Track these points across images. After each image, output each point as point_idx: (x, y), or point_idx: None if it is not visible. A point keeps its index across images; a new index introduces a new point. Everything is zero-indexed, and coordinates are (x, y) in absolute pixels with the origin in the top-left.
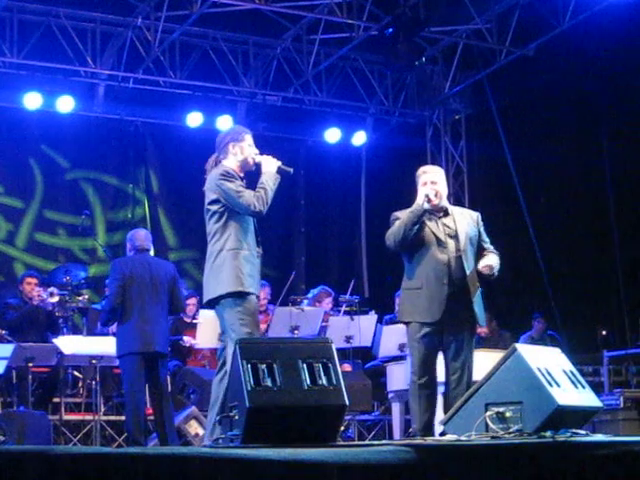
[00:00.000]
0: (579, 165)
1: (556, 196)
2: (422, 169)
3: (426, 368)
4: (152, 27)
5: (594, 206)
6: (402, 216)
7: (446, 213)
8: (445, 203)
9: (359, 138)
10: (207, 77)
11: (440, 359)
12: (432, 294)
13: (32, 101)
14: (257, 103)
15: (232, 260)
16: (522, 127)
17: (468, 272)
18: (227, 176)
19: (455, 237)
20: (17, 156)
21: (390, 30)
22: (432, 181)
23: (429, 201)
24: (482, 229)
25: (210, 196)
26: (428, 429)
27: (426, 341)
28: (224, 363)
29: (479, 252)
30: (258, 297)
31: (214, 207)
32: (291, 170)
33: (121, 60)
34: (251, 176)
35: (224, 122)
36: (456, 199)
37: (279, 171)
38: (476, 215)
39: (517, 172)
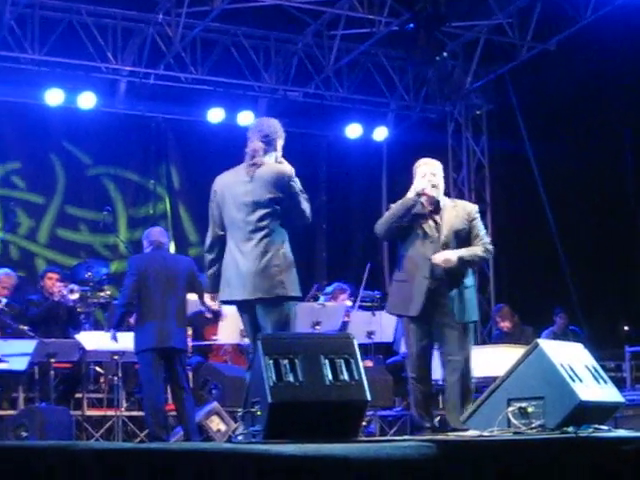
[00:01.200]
0: (601, 159)
1: (578, 190)
2: (422, 160)
3: (419, 362)
4: (173, 23)
5: (616, 200)
6: (394, 206)
7: (438, 207)
8: (440, 197)
9: (380, 133)
10: (228, 73)
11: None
12: (415, 287)
13: (54, 97)
14: (278, 99)
15: (292, 264)
16: (543, 122)
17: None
18: (295, 178)
19: (440, 231)
20: (39, 152)
21: (411, 25)
22: (431, 173)
23: (420, 195)
24: (475, 222)
25: (275, 193)
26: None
27: (416, 334)
28: None
29: (466, 245)
30: None
31: (275, 205)
32: None
33: (142, 56)
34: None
35: (245, 118)
36: (477, 194)
37: None
38: (470, 208)
39: (538, 167)
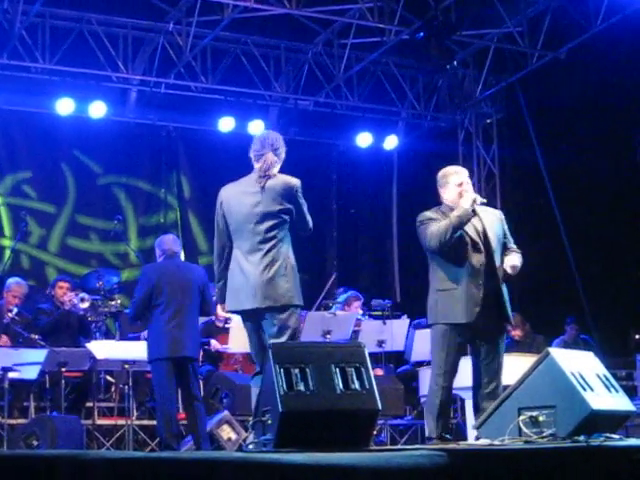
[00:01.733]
0: (612, 168)
1: (588, 199)
2: (453, 169)
3: (453, 372)
4: (183, 32)
5: (627, 209)
6: (435, 216)
7: (474, 213)
8: None
9: (391, 142)
10: (239, 82)
11: (465, 364)
12: (468, 295)
13: (64, 107)
14: (289, 108)
15: (296, 273)
16: (554, 130)
17: (499, 272)
18: (301, 191)
19: (485, 237)
20: (50, 161)
21: (421, 34)
22: (467, 181)
23: (474, 203)
24: (506, 227)
25: (284, 204)
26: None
27: (457, 344)
28: None
29: (503, 251)
30: None
31: (285, 216)
32: None
33: (153, 65)
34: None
35: (256, 127)
36: (488, 203)
37: None
38: (499, 213)
39: (549, 176)
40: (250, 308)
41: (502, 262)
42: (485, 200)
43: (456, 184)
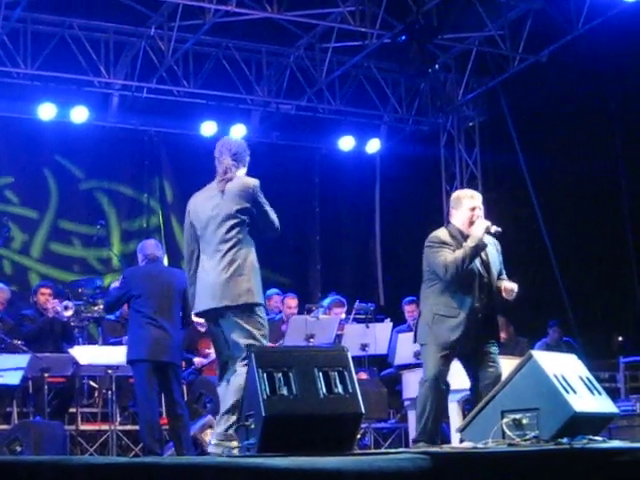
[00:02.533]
0: (593, 171)
1: (570, 202)
2: (469, 193)
3: (443, 380)
4: (165, 37)
5: (609, 212)
6: (448, 240)
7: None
8: None
9: (373, 146)
10: (221, 86)
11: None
12: (467, 324)
13: (46, 112)
14: (271, 112)
15: (255, 272)
16: (536, 133)
17: (493, 301)
18: (261, 190)
19: (488, 269)
20: (32, 167)
21: (403, 38)
22: (479, 207)
23: (487, 232)
24: (501, 258)
25: (242, 203)
26: (433, 438)
27: (447, 359)
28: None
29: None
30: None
31: (242, 216)
32: None
33: (135, 70)
34: None
35: (238, 131)
36: None
37: None
38: (496, 243)
39: (531, 178)
40: (210, 308)
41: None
42: (500, 230)
43: (469, 208)
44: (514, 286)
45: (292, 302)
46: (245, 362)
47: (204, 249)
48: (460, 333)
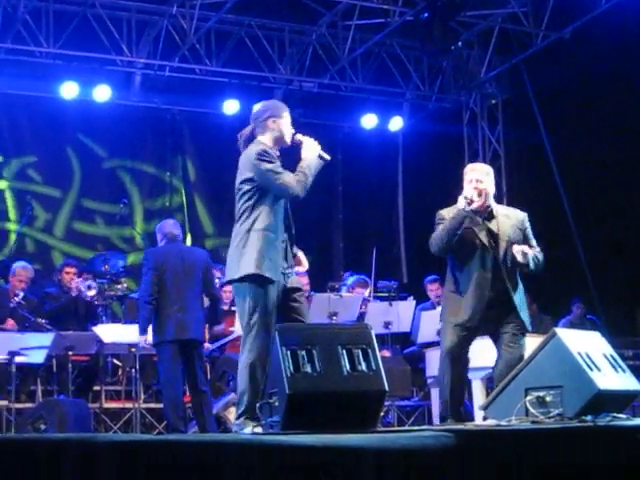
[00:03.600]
0: (617, 149)
1: (594, 179)
2: (470, 166)
3: (461, 357)
4: (187, 15)
5: (633, 189)
6: (447, 216)
7: (491, 215)
8: (492, 203)
9: (396, 124)
10: (243, 64)
11: (475, 344)
12: (474, 300)
13: (69, 91)
14: (293, 90)
15: (256, 241)
16: (559, 111)
17: (509, 279)
18: (265, 156)
19: (498, 243)
20: (55, 146)
21: (425, 15)
22: (477, 179)
23: (470, 203)
24: (528, 231)
25: (244, 174)
26: (457, 413)
27: (462, 337)
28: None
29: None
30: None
31: (246, 186)
32: (329, 158)
33: (157, 49)
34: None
35: None
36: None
37: (319, 157)
38: (522, 216)
39: (554, 155)
40: (226, 281)
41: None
42: (479, 201)
43: (467, 181)
44: (521, 248)
45: (303, 280)
46: (244, 349)
47: None
48: (470, 310)
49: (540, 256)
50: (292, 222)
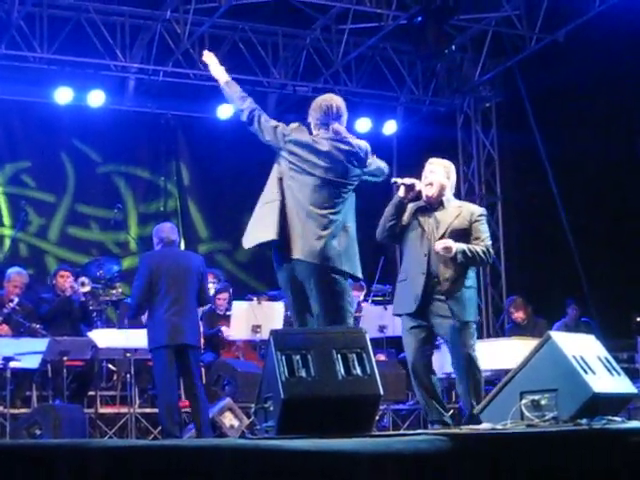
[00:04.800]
0: (611, 151)
1: (588, 181)
2: (430, 160)
3: (417, 361)
4: (181, 20)
5: (627, 191)
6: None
7: (442, 206)
8: (445, 197)
9: (390, 127)
10: (237, 69)
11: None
12: (412, 285)
13: (63, 96)
14: (287, 94)
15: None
16: (553, 114)
17: (448, 265)
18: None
19: (439, 228)
20: (49, 151)
21: (419, 19)
22: (430, 171)
23: (409, 191)
24: (478, 225)
25: (358, 172)
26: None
27: (414, 332)
28: None
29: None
30: None
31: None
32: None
33: (151, 53)
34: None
35: None
36: (488, 187)
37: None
38: (475, 210)
39: (548, 158)
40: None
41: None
42: (421, 190)
43: (423, 173)
44: (442, 242)
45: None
46: None
47: None
48: (410, 296)
49: (479, 249)
50: None
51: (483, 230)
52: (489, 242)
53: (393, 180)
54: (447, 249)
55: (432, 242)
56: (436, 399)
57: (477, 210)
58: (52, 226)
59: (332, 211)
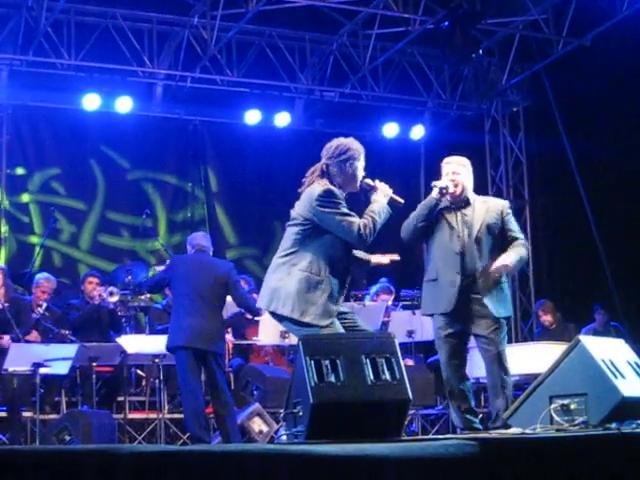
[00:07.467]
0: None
1: (616, 186)
2: (446, 159)
3: (452, 363)
4: (208, 26)
5: None
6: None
7: (467, 203)
8: (469, 194)
9: (417, 132)
10: (264, 74)
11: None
12: (446, 285)
13: (91, 102)
14: (314, 99)
15: (304, 290)
16: (581, 118)
17: (483, 262)
18: (330, 197)
19: (471, 225)
20: (78, 158)
21: (446, 23)
22: (453, 171)
23: (444, 194)
24: (508, 218)
25: (303, 213)
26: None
27: (449, 340)
28: None
29: (506, 242)
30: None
31: (306, 225)
32: (402, 202)
33: (178, 59)
34: None
35: (282, 119)
36: (515, 191)
37: (390, 202)
38: (503, 203)
39: (577, 163)
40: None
41: (499, 254)
42: (457, 191)
43: (444, 174)
44: (503, 262)
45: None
46: None
47: None
48: (444, 295)
49: (521, 250)
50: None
51: (514, 222)
52: (521, 234)
53: (433, 184)
54: (506, 267)
55: (465, 240)
56: (467, 406)
57: (504, 203)
58: (83, 234)
59: None
